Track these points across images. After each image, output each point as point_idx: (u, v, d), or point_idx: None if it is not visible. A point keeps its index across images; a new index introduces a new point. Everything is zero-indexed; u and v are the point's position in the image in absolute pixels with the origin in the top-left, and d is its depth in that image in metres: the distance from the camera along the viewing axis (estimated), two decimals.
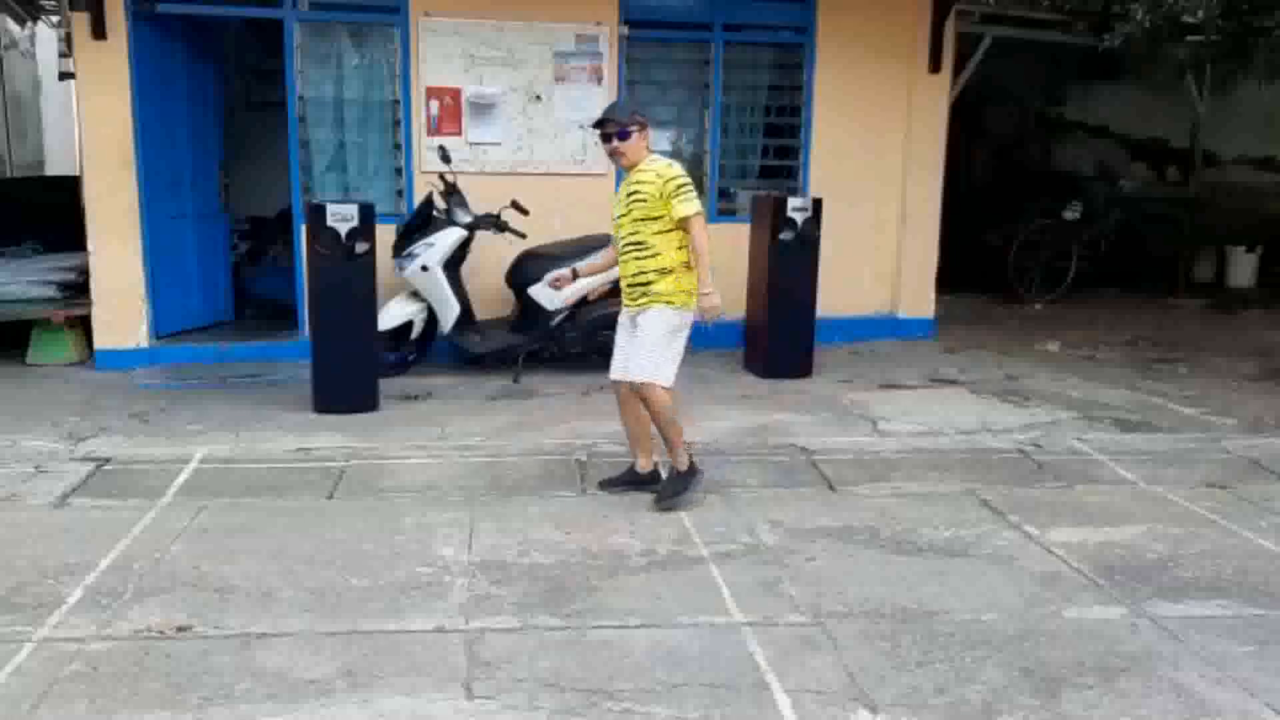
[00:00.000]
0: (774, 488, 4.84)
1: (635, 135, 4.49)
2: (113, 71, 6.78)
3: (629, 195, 4.55)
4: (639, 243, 4.51)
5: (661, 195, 4.42)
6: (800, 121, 7.96)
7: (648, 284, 4.49)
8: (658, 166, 4.49)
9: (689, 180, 4.47)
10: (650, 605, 3.60)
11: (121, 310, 7.02)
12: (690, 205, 4.39)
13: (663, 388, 4.49)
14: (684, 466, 4.60)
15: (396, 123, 7.32)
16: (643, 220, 4.48)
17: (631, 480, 4.79)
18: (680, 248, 4.47)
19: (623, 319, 4.70)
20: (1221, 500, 4.76)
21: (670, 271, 4.46)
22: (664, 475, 4.70)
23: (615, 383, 4.74)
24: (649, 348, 4.47)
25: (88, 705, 2.93)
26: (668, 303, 4.47)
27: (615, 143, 4.51)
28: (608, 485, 4.81)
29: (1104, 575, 3.91)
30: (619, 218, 4.63)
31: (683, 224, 4.41)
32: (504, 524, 4.32)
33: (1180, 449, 5.53)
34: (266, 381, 6.67)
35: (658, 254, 4.46)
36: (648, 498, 4.65)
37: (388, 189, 7.40)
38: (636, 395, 4.58)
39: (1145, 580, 3.88)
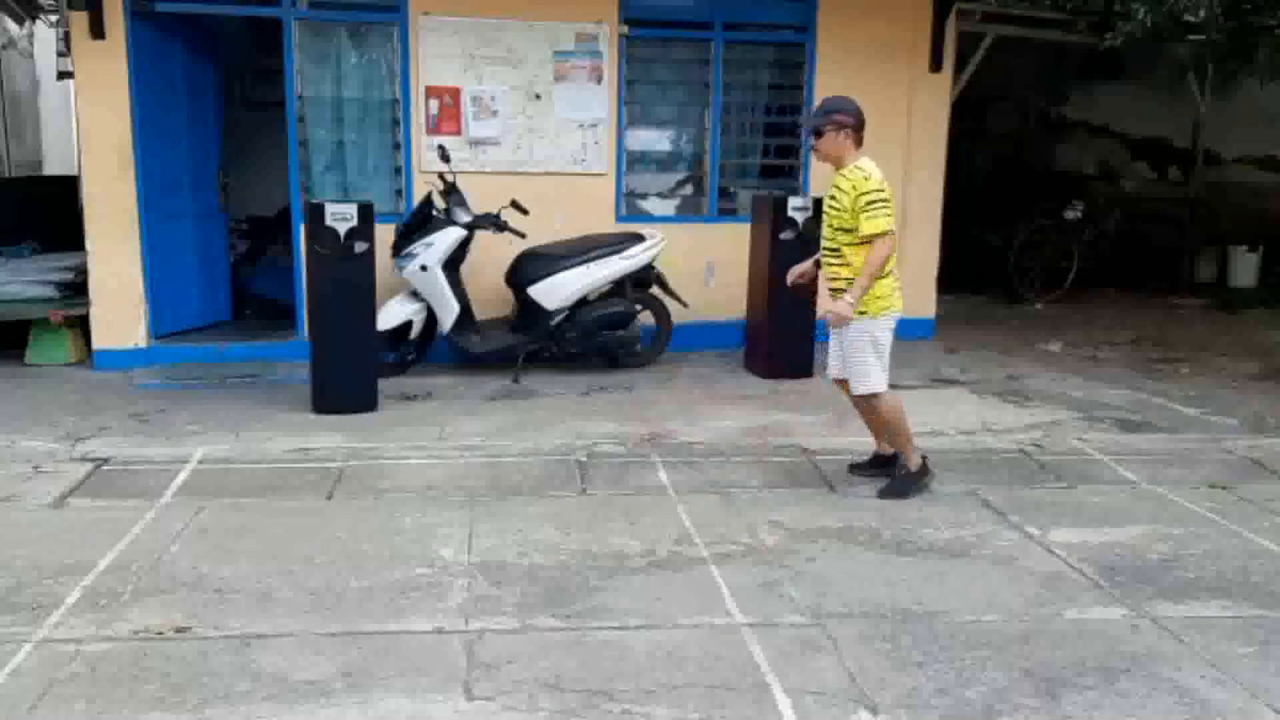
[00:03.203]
0: (774, 488, 4.83)
1: (830, 134, 4.54)
2: (111, 71, 6.77)
3: (829, 199, 4.62)
4: (835, 249, 4.61)
5: (853, 209, 4.45)
6: (801, 121, 7.95)
7: (841, 291, 4.60)
8: (854, 178, 4.47)
9: (882, 193, 4.43)
10: (650, 606, 3.59)
11: (120, 310, 7.01)
12: (876, 224, 4.40)
13: (886, 393, 4.67)
14: (914, 466, 4.76)
15: (396, 122, 7.30)
16: (839, 230, 4.56)
17: (876, 464, 4.95)
18: None
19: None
20: (1223, 500, 4.75)
21: None
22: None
23: (835, 381, 4.90)
24: (857, 362, 4.62)
25: (86, 706, 2.92)
26: (861, 313, 4.55)
27: (812, 140, 4.65)
28: (856, 469, 5.00)
29: (1105, 576, 3.90)
30: (823, 215, 4.71)
31: (868, 239, 4.44)
32: (504, 524, 4.31)
33: (1182, 449, 5.52)
34: (265, 381, 6.66)
35: (851, 263, 4.54)
36: (651, 497, 4.66)
37: (387, 188, 7.39)
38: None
39: (1147, 581, 3.87)
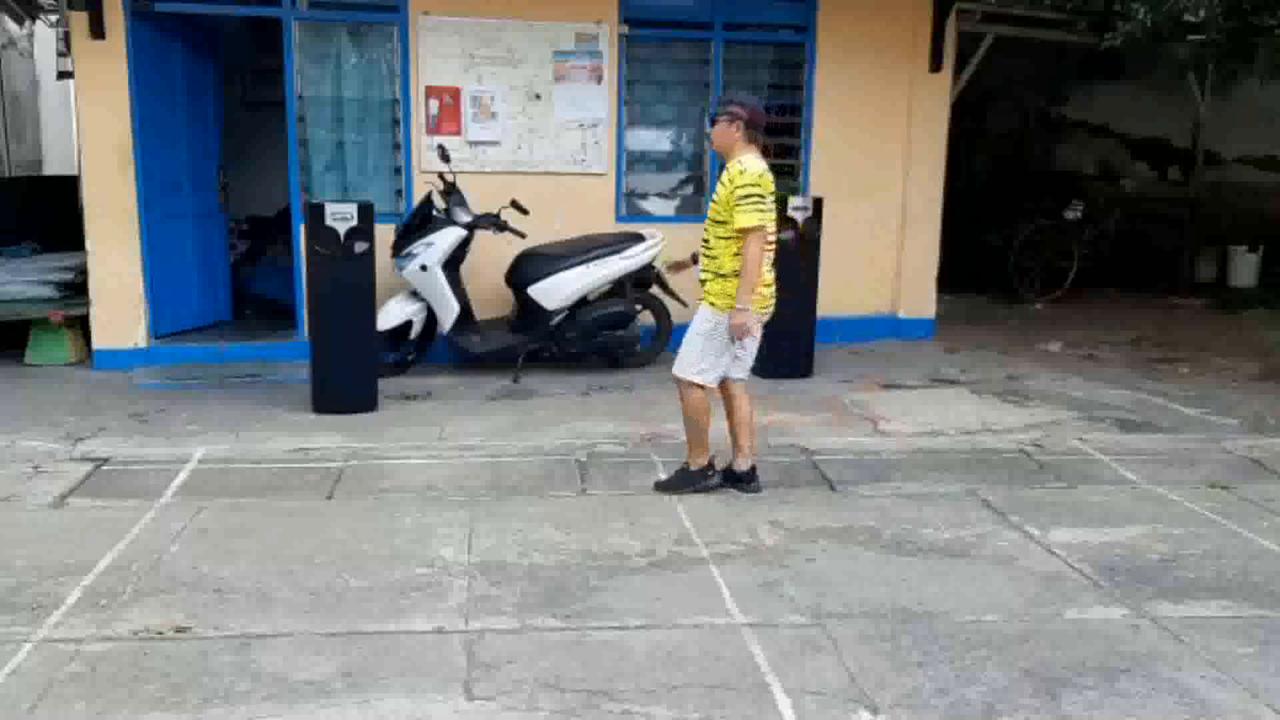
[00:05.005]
0: (774, 488, 4.82)
1: (722, 123, 4.49)
2: (111, 71, 6.77)
3: (714, 192, 4.59)
4: (705, 241, 4.60)
5: (728, 201, 4.38)
6: (800, 121, 7.95)
7: (704, 283, 4.59)
8: (733, 171, 4.42)
9: (757, 188, 4.35)
10: (650, 606, 3.59)
11: (120, 310, 7.01)
12: (748, 218, 4.32)
13: (697, 386, 4.59)
14: (694, 467, 4.76)
15: (396, 122, 7.31)
16: (714, 222, 4.52)
17: (729, 478, 4.79)
18: (738, 254, 4.41)
19: None
20: (1223, 500, 4.75)
21: (724, 277, 4.49)
22: (758, 473, 4.77)
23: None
24: (688, 345, 4.61)
25: (86, 706, 2.92)
26: (710, 303, 4.54)
27: (709, 125, 4.66)
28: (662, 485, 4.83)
29: (1105, 576, 3.90)
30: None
31: (740, 233, 4.37)
32: (504, 524, 4.31)
33: (1182, 449, 5.52)
34: (265, 381, 6.66)
35: (716, 257, 4.51)
36: (650, 497, 4.67)
37: (387, 188, 7.39)
38: (732, 394, 4.73)
39: (1147, 581, 3.86)
